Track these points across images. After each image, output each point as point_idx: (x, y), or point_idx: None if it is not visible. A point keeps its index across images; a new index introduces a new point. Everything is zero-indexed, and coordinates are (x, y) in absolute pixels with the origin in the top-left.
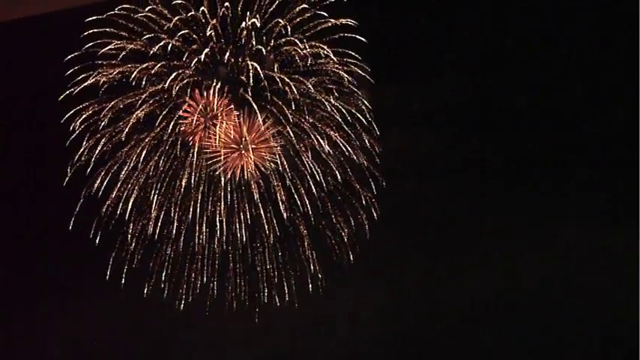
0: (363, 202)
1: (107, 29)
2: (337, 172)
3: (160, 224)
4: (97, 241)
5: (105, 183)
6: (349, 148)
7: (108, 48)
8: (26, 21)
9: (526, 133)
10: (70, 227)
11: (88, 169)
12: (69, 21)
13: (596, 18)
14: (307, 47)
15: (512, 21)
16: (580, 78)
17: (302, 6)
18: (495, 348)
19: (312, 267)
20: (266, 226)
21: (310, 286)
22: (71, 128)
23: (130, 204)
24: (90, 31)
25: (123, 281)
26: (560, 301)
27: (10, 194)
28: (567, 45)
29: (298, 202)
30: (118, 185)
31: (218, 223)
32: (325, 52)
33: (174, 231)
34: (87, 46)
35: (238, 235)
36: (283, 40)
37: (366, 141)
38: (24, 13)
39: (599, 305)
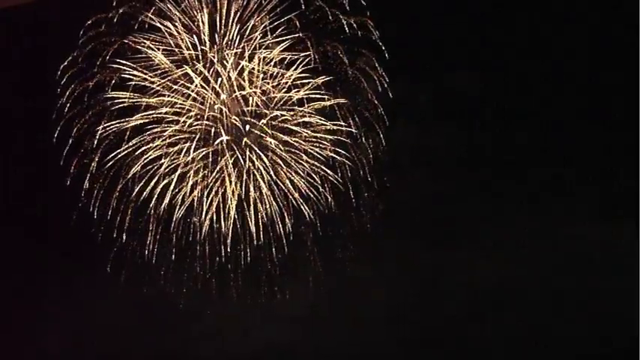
0: (365, 195)
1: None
2: (343, 167)
3: (162, 221)
4: (99, 237)
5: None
6: (353, 144)
7: (115, 47)
8: (23, 8)
9: (529, 130)
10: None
11: (92, 167)
12: (68, 9)
13: (598, 18)
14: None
15: (522, 17)
16: (582, 77)
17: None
18: (496, 340)
19: (313, 261)
20: (269, 221)
21: (311, 278)
22: (73, 132)
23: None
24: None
25: (123, 276)
26: (562, 294)
27: (11, 192)
28: (572, 44)
29: (303, 195)
30: (121, 182)
31: (222, 219)
32: (335, 51)
33: (175, 227)
34: (92, 44)
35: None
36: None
37: (369, 136)
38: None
39: (599, 300)
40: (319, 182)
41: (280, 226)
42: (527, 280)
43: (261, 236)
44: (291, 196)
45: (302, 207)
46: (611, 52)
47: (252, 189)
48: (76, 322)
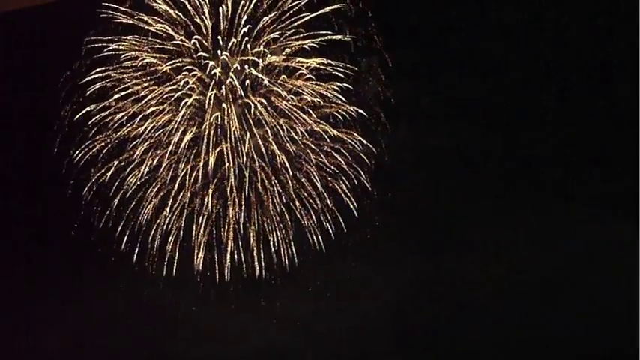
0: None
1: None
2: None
3: (163, 227)
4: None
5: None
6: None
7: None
8: (25, 11)
9: (529, 132)
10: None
11: (96, 174)
12: (67, 11)
13: (598, 19)
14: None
15: (524, 20)
16: (583, 79)
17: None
18: (497, 340)
19: (314, 266)
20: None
21: (312, 283)
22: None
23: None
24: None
25: (124, 281)
26: (563, 294)
27: (13, 195)
28: (572, 46)
29: (302, 197)
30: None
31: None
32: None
33: (175, 236)
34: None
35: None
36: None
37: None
38: (23, 4)
39: (599, 300)
40: (322, 189)
41: (282, 233)
42: (527, 280)
43: (262, 244)
44: (292, 204)
45: (303, 214)
46: (611, 53)
47: (252, 197)
48: (77, 327)
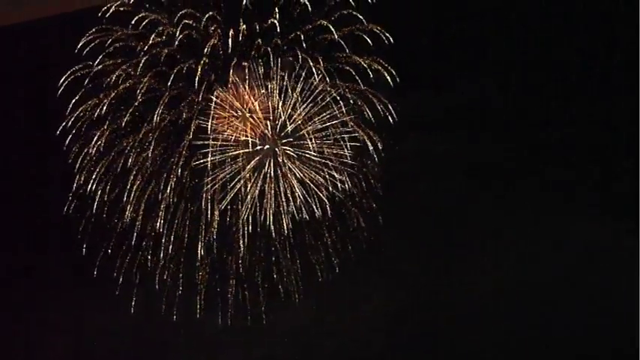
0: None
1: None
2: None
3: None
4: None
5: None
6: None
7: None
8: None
9: (529, 133)
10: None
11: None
12: (68, 24)
13: (598, 21)
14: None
15: (524, 28)
16: (583, 79)
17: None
18: (497, 341)
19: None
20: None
21: (315, 288)
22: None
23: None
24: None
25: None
26: (563, 294)
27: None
28: (573, 50)
29: (305, 206)
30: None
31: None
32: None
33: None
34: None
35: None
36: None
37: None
38: (23, 18)
39: (600, 300)
40: (330, 211)
41: (288, 254)
42: (527, 280)
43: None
44: (298, 227)
45: (310, 235)
46: (612, 53)
47: (258, 218)
48: (76, 332)
